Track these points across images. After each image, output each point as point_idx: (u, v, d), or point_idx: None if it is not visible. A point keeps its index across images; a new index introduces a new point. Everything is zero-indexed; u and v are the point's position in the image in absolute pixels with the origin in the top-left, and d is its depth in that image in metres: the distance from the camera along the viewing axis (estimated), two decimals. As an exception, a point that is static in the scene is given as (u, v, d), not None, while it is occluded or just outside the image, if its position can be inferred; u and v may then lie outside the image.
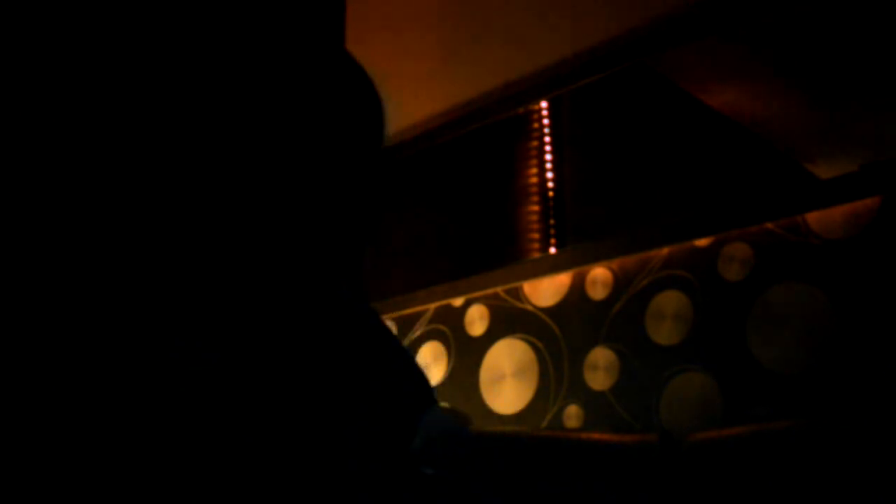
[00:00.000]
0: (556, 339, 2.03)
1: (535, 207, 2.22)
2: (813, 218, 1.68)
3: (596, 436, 1.67)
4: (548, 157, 2.22)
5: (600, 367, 1.93)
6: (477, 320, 2.18)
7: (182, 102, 0.68)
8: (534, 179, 2.23)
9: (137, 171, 0.69)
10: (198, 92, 0.68)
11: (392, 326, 2.34)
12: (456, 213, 2.40)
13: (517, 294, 2.13)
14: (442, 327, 2.25)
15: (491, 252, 2.27)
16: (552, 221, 2.20)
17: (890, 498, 1.28)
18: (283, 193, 0.70)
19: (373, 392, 0.69)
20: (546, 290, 2.08)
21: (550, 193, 2.21)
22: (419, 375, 0.74)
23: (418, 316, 2.31)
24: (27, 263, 0.67)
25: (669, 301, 1.85)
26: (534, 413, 2.02)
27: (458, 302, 2.23)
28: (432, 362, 2.24)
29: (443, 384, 2.20)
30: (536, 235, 2.20)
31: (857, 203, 1.63)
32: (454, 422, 0.71)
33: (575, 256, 2.04)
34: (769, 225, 1.73)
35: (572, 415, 1.96)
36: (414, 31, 2.27)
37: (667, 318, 1.85)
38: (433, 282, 2.26)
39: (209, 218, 0.69)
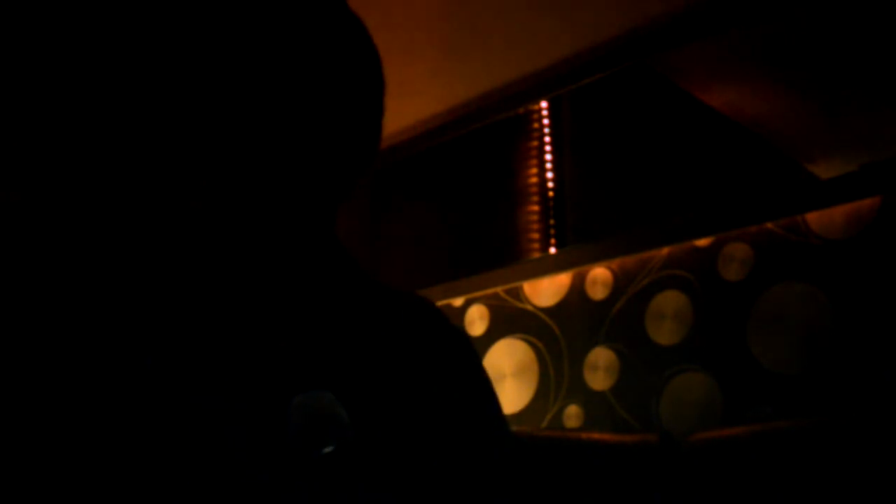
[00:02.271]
0: (556, 339, 2.03)
1: (535, 207, 2.22)
2: (813, 218, 1.68)
3: (596, 436, 1.67)
4: (548, 157, 2.22)
5: (600, 367, 1.93)
6: (477, 320, 2.18)
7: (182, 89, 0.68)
8: (534, 179, 2.23)
9: (138, 163, 0.69)
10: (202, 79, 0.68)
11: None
12: (456, 213, 2.40)
13: (517, 294, 2.13)
14: (442, 327, 2.25)
15: (491, 252, 2.27)
16: (552, 221, 2.20)
17: (890, 498, 1.28)
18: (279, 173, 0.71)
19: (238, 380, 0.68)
20: (546, 290, 2.08)
21: (550, 193, 2.21)
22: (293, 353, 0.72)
23: (418, 316, 2.30)
24: (28, 261, 0.67)
25: (669, 301, 1.85)
26: (534, 413, 2.02)
27: (458, 302, 2.23)
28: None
29: (443, 384, 2.19)
30: (536, 235, 2.20)
31: (857, 203, 1.63)
32: (324, 404, 0.68)
33: (575, 256, 2.04)
34: (769, 225, 1.73)
35: (572, 415, 1.96)
36: (414, 31, 2.27)
37: (667, 318, 1.85)
38: (433, 282, 2.26)
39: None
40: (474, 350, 0.84)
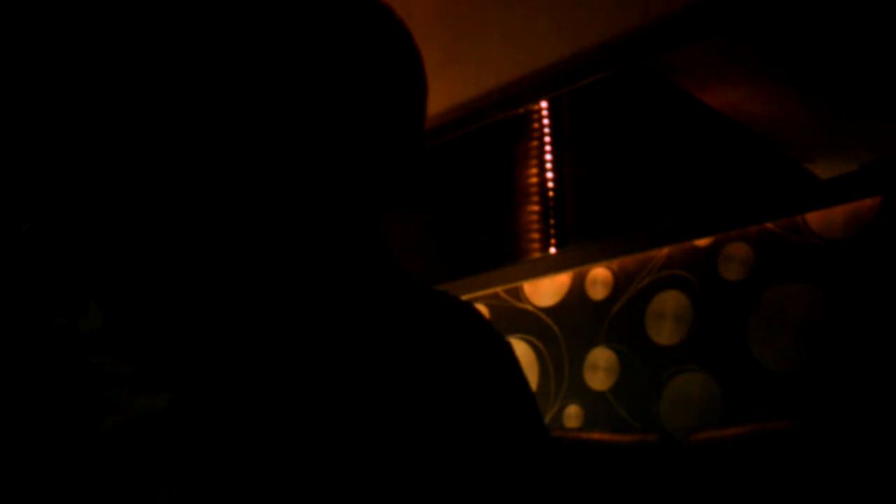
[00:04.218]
0: (556, 339, 2.03)
1: (535, 207, 2.22)
2: (813, 218, 1.68)
3: (596, 436, 1.67)
4: (548, 157, 2.22)
5: (600, 367, 1.93)
6: (477, 320, 2.18)
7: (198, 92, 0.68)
8: (534, 179, 2.23)
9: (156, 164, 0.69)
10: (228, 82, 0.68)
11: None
12: (456, 213, 2.40)
13: (517, 294, 2.13)
14: (442, 327, 2.24)
15: (491, 252, 2.27)
16: (552, 221, 2.19)
17: (890, 498, 1.28)
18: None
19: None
20: (546, 290, 2.07)
21: (550, 193, 2.21)
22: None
23: (418, 316, 2.30)
24: (24, 262, 0.67)
25: (669, 301, 1.85)
26: (534, 413, 2.02)
27: (458, 302, 2.22)
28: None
29: (443, 384, 2.19)
30: (536, 235, 2.20)
31: (857, 203, 1.63)
32: None
33: (575, 256, 2.04)
34: (769, 225, 1.73)
35: (572, 415, 1.96)
36: (413, 31, 2.27)
37: (667, 318, 1.85)
38: (433, 282, 2.26)
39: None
40: (514, 355, 0.83)
